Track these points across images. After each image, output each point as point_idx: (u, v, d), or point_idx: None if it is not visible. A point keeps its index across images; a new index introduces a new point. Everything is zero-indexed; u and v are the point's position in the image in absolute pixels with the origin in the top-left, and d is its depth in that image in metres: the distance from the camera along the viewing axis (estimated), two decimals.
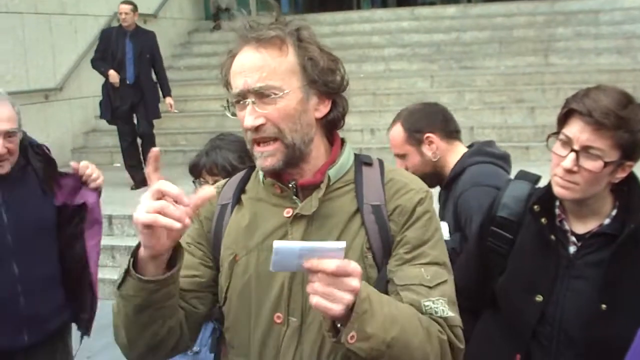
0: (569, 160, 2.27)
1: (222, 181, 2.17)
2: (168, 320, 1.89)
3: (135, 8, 10.36)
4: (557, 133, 2.35)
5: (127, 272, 1.79)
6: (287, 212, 1.96)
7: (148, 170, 1.76)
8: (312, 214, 1.94)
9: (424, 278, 1.89)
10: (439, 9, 16.45)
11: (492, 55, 13.51)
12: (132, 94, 10.19)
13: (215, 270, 2.05)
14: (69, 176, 3.55)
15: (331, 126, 2.03)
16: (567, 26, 13.95)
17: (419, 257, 1.92)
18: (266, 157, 1.91)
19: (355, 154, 2.07)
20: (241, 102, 1.90)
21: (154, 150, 1.77)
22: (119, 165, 11.87)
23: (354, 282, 1.64)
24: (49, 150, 3.59)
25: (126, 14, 10.26)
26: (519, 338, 2.46)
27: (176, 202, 1.69)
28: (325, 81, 1.95)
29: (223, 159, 3.08)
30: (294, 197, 1.97)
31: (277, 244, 1.63)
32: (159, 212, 1.67)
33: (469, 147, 3.34)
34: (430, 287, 1.88)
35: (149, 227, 1.69)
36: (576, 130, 2.26)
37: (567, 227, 2.43)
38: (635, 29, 13.32)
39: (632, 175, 2.37)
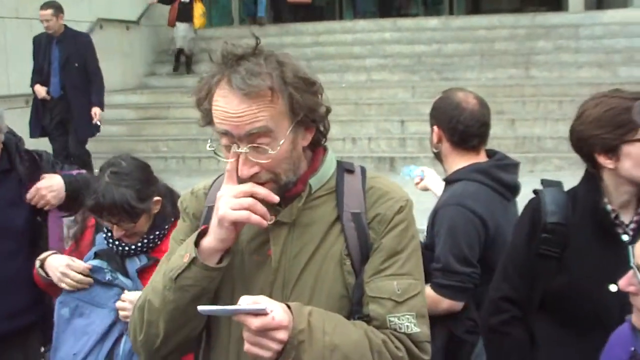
0: None
1: (210, 181, 2.17)
2: (202, 317, 1.97)
3: (57, 11, 9.02)
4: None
5: (193, 260, 1.88)
6: (271, 219, 1.97)
7: (229, 168, 1.88)
8: (292, 222, 1.98)
9: (394, 292, 1.94)
10: (420, 21, 16.53)
11: (473, 68, 13.61)
12: (61, 108, 9.13)
13: None
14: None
15: (314, 145, 2.05)
16: (548, 40, 14.07)
17: (393, 267, 1.96)
18: None
19: (337, 161, 2.09)
20: (230, 147, 1.88)
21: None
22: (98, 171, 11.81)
23: (280, 335, 1.74)
24: (39, 156, 3.56)
25: (47, 20, 8.98)
26: (604, 328, 2.52)
27: (262, 201, 1.84)
28: (312, 117, 1.95)
29: (121, 198, 2.87)
30: (276, 206, 1.98)
31: (200, 309, 1.78)
32: (249, 209, 1.81)
33: (491, 154, 3.26)
34: (398, 302, 1.94)
35: (235, 223, 1.84)
36: None
37: (622, 219, 2.60)
38: (615, 43, 13.47)
39: None
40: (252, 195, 1.83)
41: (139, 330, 2.01)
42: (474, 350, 3.08)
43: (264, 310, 1.72)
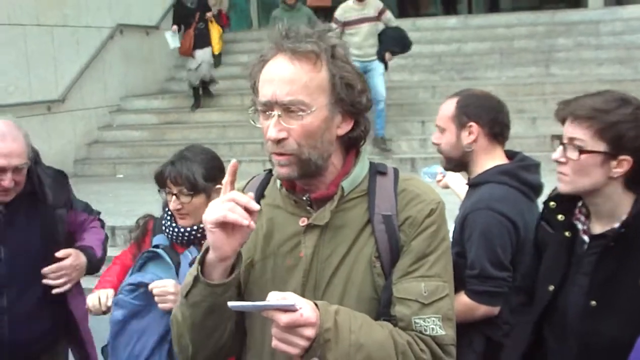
0: (557, 152, 2.46)
1: (242, 183, 2.19)
2: (229, 324, 2.02)
3: None
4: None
5: (196, 278, 1.92)
6: (302, 222, 2.01)
7: (225, 180, 1.90)
8: (325, 225, 1.99)
9: (421, 294, 1.94)
10: (440, 20, 16.47)
11: (493, 66, 13.56)
12: None
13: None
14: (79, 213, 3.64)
15: (352, 144, 2.06)
16: (568, 37, 13.99)
17: (421, 269, 1.97)
18: (282, 165, 1.95)
19: (370, 163, 2.11)
20: (267, 112, 1.93)
21: (234, 162, 1.90)
22: (121, 176, 11.92)
23: (307, 332, 1.76)
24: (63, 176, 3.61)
25: None
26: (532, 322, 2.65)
27: (245, 209, 1.84)
28: (353, 101, 1.97)
29: (188, 170, 3.09)
30: (308, 208, 2.02)
31: (230, 304, 1.80)
32: (228, 211, 1.82)
33: (510, 155, 3.25)
34: (424, 304, 1.94)
35: (219, 225, 1.84)
36: (565, 126, 2.46)
37: (580, 225, 2.54)
38: (636, 39, 13.35)
39: None
40: (234, 201, 1.84)
41: (174, 341, 2.08)
42: None
43: (293, 306, 1.73)
